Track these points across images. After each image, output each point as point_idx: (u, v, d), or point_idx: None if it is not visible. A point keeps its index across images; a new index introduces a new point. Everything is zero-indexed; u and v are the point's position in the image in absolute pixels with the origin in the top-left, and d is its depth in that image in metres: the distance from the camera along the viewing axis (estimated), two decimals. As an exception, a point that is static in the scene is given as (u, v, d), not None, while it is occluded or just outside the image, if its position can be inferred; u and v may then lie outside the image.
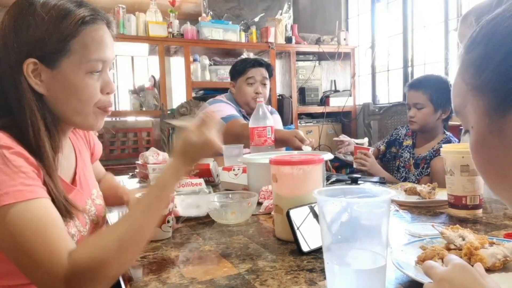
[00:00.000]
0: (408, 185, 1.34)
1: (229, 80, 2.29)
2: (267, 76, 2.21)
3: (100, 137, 3.23)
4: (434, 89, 1.81)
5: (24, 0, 0.77)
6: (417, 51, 3.66)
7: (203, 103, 2.28)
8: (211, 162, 1.58)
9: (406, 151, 1.98)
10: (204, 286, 0.67)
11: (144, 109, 3.60)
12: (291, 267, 0.73)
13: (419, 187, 1.24)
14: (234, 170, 1.45)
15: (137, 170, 1.91)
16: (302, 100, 4.06)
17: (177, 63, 3.94)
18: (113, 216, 1.18)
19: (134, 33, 3.31)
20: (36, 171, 0.71)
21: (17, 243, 0.65)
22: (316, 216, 0.82)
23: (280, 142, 1.75)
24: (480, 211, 1.06)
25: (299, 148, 1.66)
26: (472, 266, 0.53)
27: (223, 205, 1.07)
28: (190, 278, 0.70)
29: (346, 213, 0.57)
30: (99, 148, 1.14)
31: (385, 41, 3.97)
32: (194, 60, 3.60)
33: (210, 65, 3.71)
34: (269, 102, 3.57)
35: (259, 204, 1.15)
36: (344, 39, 4.08)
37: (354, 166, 1.96)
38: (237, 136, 1.81)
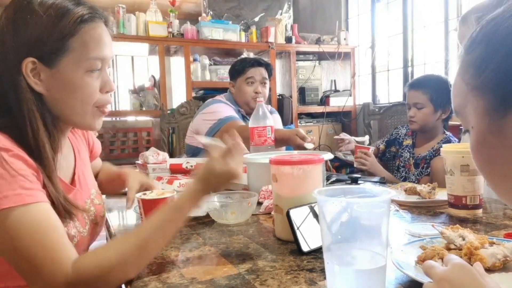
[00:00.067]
0: (408, 185, 1.34)
1: (229, 80, 2.29)
2: (267, 76, 2.20)
3: (100, 137, 3.23)
4: (434, 89, 1.81)
5: None
6: (417, 51, 3.66)
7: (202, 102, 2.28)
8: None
9: (406, 151, 1.98)
10: (204, 286, 0.67)
11: (144, 109, 3.60)
12: (291, 267, 0.73)
13: (419, 187, 1.24)
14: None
15: (137, 170, 1.91)
16: (302, 100, 4.06)
17: (177, 63, 3.93)
18: (112, 216, 1.18)
19: (134, 33, 3.30)
20: (35, 174, 0.71)
21: (16, 248, 0.65)
22: (316, 216, 0.82)
23: (281, 141, 1.75)
24: (480, 211, 1.06)
25: (301, 146, 1.65)
26: (472, 266, 0.53)
27: (223, 205, 1.07)
28: (190, 278, 0.70)
29: (346, 213, 0.57)
30: (98, 146, 1.14)
31: (385, 41, 3.97)
32: (194, 60, 3.60)
33: (210, 65, 3.70)
34: (269, 102, 3.57)
35: (259, 204, 1.15)
36: (344, 39, 4.08)
37: (355, 165, 1.96)
38: None
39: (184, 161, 1.55)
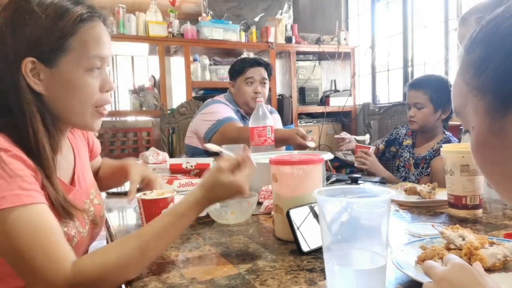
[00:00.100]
0: (408, 185, 1.33)
1: (228, 80, 2.29)
2: (266, 76, 2.20)
3: (100, 137, 3.23)
4: (434, 89, 1.81)
5: None
6: (417, 51, 3.66)
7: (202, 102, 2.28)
8: (211, 162, 1.58)
9: (406, 151, 1.98)
10: (204, 286, 0.67)
11: (144, 109, 3.60)
12: (291, 267, 0.73)
13: (419, 187, 1.24)
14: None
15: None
16: (302, 100, 4.06)
17: (177, 63, 3.94)
18: (112, 216, 1.18)
19: (134, 33, 3.30)
20: (34, 174, 0.71)
21: (15, 249, 0.65)
22: (316, 216, 0.82)
23: (281, 140, 1.75)
24: (480, 211, 1.06)
25: (302, 145, 1.65)
26: (472, 266, 0.53)
27: (223, 205, 1.06)
28: (190, 278, 0.70)
29: (346, 213, 0.57)
30: (98, 145, 1.14)
31: (385, 41, 3.97)
32: (194, 60, 3.60)
33: (210, 65, 3.71)
34: (269, 102, 3.57)
35: (259, 204, 1.15)
36: (344, 39, 4.08)
37: (355, 164, 1.96)
38: (233, 139, 1.80)
39: (184, 161, 1.55)
